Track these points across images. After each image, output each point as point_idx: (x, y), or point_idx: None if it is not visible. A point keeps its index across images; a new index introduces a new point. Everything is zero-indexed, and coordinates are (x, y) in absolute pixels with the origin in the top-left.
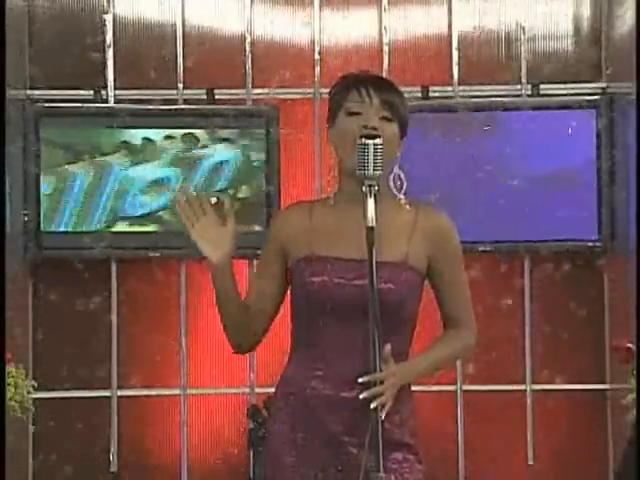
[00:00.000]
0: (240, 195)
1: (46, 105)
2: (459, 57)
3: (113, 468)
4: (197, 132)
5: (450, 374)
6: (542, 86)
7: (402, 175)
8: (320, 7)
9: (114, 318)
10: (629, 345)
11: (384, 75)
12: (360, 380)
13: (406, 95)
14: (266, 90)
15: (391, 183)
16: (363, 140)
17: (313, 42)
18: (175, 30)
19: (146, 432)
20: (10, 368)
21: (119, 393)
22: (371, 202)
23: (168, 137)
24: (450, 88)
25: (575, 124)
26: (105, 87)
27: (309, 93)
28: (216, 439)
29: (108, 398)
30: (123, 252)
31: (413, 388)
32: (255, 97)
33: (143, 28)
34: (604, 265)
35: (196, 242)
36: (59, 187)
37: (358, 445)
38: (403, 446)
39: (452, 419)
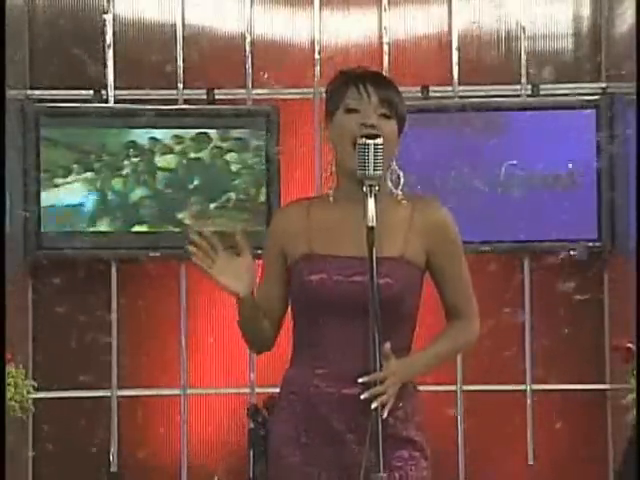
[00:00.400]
0: (240, 195)
1: (46, 105)
2: (459, 57)
3: (113, 468)
4: (210, 132)
5: (450, 374)
6: (542, 86)
7: (400, 172)
8: (320, 7)
9: (114, 318)
10: (629, 345)
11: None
12: (360, 380)
13: (406, 95)
14: (266, 90)
15: (388, 180)
16: (364, 140)
17: (313, 42)
18: (175, 30)
19: (146, 432)
20: (10, 368)
21: (119, 393)
22: (371, 202)
23: (176, 137)
24: (450, 88)
25: (575, 124)
26: (105, 87)
27: (309, 93)
28: (216, 439)
29: (108, 398)
30: (123, 252)
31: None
32: (255, 97)
33: (143, 28)
34: (604, 265)
35: (217, 281)
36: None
37: (361, 442)
38: (408, 443)
39: (452, 419)
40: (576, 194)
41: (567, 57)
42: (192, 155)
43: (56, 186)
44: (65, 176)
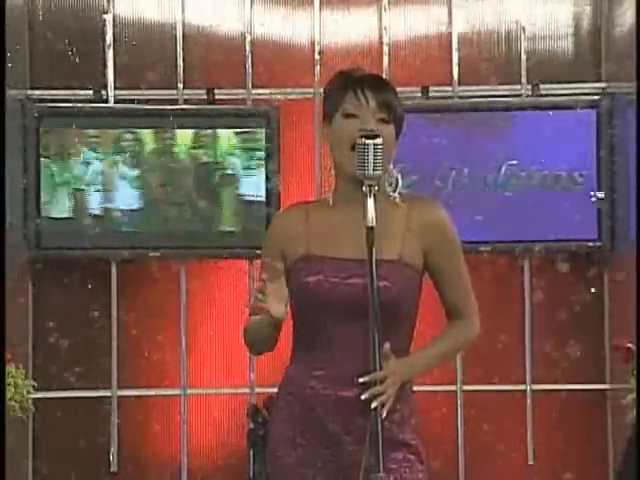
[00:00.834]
0: (240, 195)
1: (46, 105)
2: (459, 57)
3: (113, 468)
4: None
5: (450, 374)
6: (542, 86)
7: (398, 175)
8: (320, 7)
9: (114, 318)
10: (629, 345)
11: (384, 75)
12: (360, 380)
13: (406, 95)
14: (267, 90)
15: (386, 183)
16: (363, 140)
17: (313, 42)
18: (175, 30)
19: (146, 432)
20: (10, 368)
21: (119, 393)
22: (371, 202)
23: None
24: (450, 88)
25: (575, 124)
26: (105, 87)
27: (309, 93)
28: (216, 439)
29: (108, 398)
30: (123, 252)
31: (413, 388)
32: (255, 97)
33: (143, 28)
34: (604, 265)
35: (269, 306)
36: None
37: (357, 444)
38: (403, 445)
39: (452, 419)
40: (576, 194)
41: (567, 57)
42: (192, 155)
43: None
44: (65, 176)
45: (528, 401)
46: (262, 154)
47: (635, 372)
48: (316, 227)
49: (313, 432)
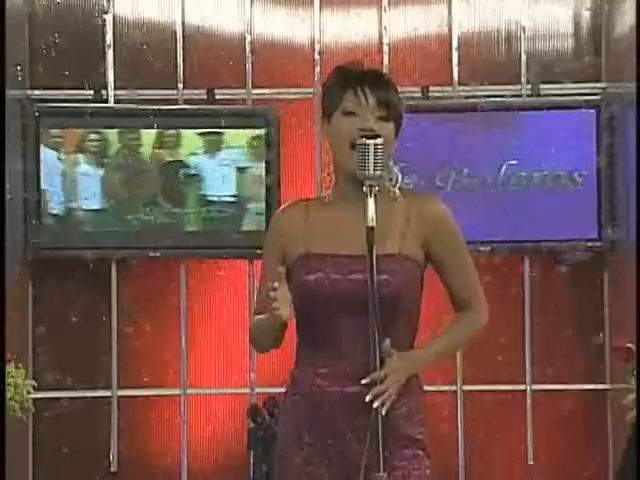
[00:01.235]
0: (240, 195)
1: (46, 105)
2: (459, 57)
3: (113, 468)
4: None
5: (450, 374)
6: (542, 86)
7: (397, 171)
8: (320, 7)
9: (114, 318)
10: (629, 345)
11: None
12: (363, 382)
13: (406, 95)
14: (267, 90)
15: (386, 179)
16: (363, 140)
17: (313, 42)
18: (175, 30)
19: (146, 432)
20: (10, 368)
21: (119, 393)
22: (371, 202)
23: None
24: (450, 88)
25: (575, 124)
26: (105, 87)
27: (309, 93)
28: (216, 439)
29: (108, 398)
30: (123, 252)
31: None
32: (255, 97)
33: (143, 28)
34: (604, 265)
35: (281, 311)
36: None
37: (364, 442)
38: (411, 441)
39: (452, 419)
40: (576, 194)
41: (567, 57)
42: (192, 155)
43: (56, 186)
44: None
45: (528, 401)
46: (262, 154)
47: (635, 372)
48: (316, 225)
49: (320, 430)
